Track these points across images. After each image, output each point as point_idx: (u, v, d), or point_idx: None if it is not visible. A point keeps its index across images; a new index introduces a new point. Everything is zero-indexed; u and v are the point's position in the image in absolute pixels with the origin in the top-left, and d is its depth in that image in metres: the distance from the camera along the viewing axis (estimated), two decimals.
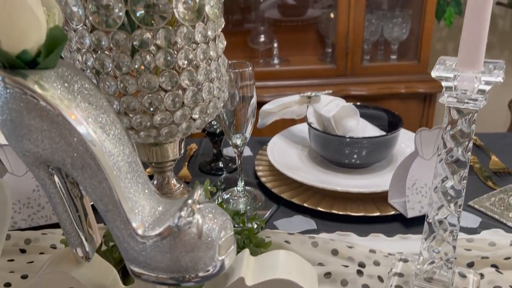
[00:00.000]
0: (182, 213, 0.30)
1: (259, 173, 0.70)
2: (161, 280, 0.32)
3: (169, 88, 0.35)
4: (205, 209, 0.33)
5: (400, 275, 0.48)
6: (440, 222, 0.43)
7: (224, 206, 0.62)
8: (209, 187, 0.62)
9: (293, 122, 0.82)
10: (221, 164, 0.75)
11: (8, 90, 0.29)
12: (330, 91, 0.74)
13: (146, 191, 0.33)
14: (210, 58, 0.37)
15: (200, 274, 0.32)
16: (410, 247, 0.54)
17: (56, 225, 0.59)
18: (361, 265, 0.50)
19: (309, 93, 0.72)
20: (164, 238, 0.31)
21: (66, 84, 0.30)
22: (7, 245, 0.55)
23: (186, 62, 0.35)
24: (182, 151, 0.44)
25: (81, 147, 0.29)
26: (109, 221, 0.32)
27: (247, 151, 0.80)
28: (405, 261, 0.50)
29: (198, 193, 0.33)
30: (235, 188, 0.65)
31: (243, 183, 0.64)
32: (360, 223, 0.58)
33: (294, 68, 1.48)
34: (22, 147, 0.30)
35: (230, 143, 0.61)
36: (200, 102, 0.38)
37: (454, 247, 0.43)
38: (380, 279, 0.48)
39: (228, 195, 0.65)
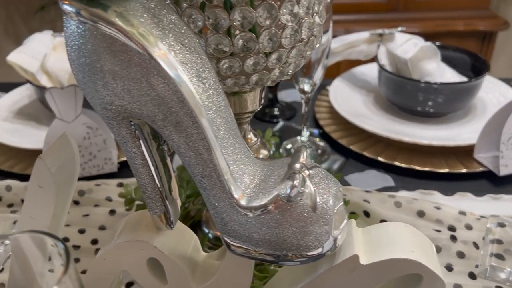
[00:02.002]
0: (295, 182, 0.25)
1: (320, 122, 0.63)
2: (259, 256, 0.28)
3: (268, 23, 0.29)
4: (315, 176, 0.27)
5: (499, 241, 0.43)
6: None
7: None
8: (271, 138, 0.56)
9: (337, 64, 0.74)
10: (276, 111, 0.69)
11: (85, 26, 0.22)
12: (404, 28, 0.65)
13: (242, 151, 0.28)
14: None
15: (309, 253, 0.27)
16: (504, 209, 0.48)
17: (108, 176, 0.55)
18: (451, 228, 0.45)
19: (380, 31, 0.64)
20: (272, 211, 0.26)
21: (155, 19, 0.23)
22: None
23: None
24: (262, 101, 0.38)
25: (176, 99, 0.23)
26: (204, 188, 0.26)
27: None
28: (502, 225, 0.45)
29: (304, 156, 0.28)
30: (298, 138, 0.59)
31: (308, 133, 0.58)
32: (444, 180, 0.52)
33: (338, 1, 1.36)
34: (102, 98, 0.24)
35: (297, 87, 0.55)
36: (298, 42, 0.31)
37: None
38: (476, 245, 0.43)
39: (289, 146, 0.60)
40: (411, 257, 0.27)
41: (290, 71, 0.33)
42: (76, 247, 0.46)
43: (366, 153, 0.56)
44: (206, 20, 0.28)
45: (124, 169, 0.56)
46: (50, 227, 0.31)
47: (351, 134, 0.60)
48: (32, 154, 0.59)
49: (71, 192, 0.32)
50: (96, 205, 0.51)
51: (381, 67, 0.62)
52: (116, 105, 0.24)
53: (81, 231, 0.48)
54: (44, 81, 0.62)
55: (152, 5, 0.24)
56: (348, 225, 0.30)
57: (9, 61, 0.60)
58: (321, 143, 0.59)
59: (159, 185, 0.29)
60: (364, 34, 0.65)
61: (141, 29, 0.22)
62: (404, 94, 0.61)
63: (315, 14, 0.31)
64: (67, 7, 0.23)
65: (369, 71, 0.72)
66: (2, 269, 0.44)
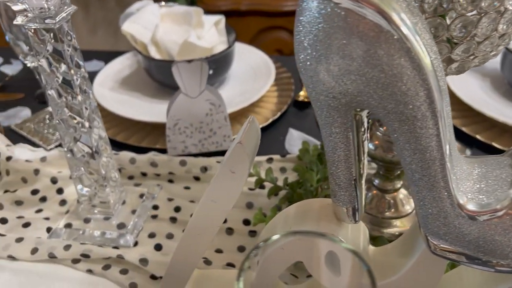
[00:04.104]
0: None
1: None
2: (459, 259, 0.26)
3: (489, 7, 0.26)
4: None
5: None
6: None
7: None
8: None
9: None
10: None
11: (334, 8, 0.20)
12: None
13: (456, 150, 0.25)
14: None
15: None
16: None
17: (225, 153, 0.54)
18: None
19: None
20: (503, 216, 0.24)
21: (405, 2, 0.21)
22: (180, 171, 0.51)
23: None
24: None
25: (423, 93, 0.21)
26: (421, 187, 0.24)
27: None
28: None
29: None
30: None
31: None
32: None
33: None
34: (335, 87, 0.22)
35: None
36: (509, 28, 0.28)
37: None
38: None
39: None
40: None
41: (489, 58, 0.30)
42: None
43: (495, 144, 0.52)
44: (424, 2, 0.25)
45: None
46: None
47: (473, 122, 0.57)
48: (144, 127, 0.59)
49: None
50: None
51: (509, 50, 0.57)
52: (351, 95, 0.22)
53: None
54: (153, 52, 0.61)
55: None
56: None
57: (124, 31, 0.60)
58: None
59: (355, 180, 0.27)
60: None
61: (402, 14, 0.20)
62: None
63: None
64: None
65: None
66: (136, 242, 0.44)
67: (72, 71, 0.38)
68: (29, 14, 0.35)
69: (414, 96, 0.21)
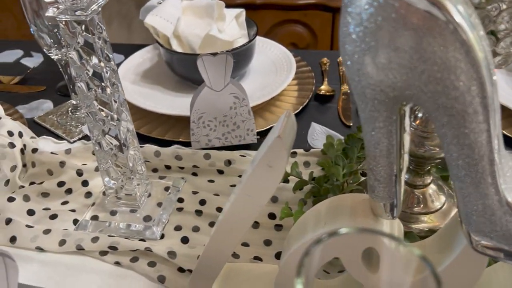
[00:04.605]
0: None
1: None
2: (498, 255, 0.26)
3: None
4: None
5: None
6: None
7: None
8: None
9: None
10: None
11: (388, 1, 0.20)
12: None
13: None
14: None
15: None
16: None
17: (248, 146, 0.54)
18: None
19: None
20: None
21: None
22: (204, 164, 0.51)
23: None
24: None
25: (476, 87, 0.21)
26: (466, 183, 0.24)
27: None
28: None
29: None
30: None
31: None
32: None
33: None
34: (384, 81, 0.22)
35: None
36: None
37: None
38: None
39: None
40: None
41: None
42: None
43: None
44: None
45: (262, 141, 0.55)
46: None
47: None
48: (167, 120, 0.59)
49: None
50: (240, 176, 0.50)
51: None
52: (400, 89, 0.22)
53: None
54: (175, 46, 0.61)
55: None
56: None
57: (146, 24, 0.60)
58: None
59: (395, 176, 0.27)
60: None
61: (458, 5, 0.19)
62: None
63: None
64: None
65: None
66: (163, 235, 0.44)
67: (102, 64, 0.38)
68: (61, 6, 0.35)
69: (466, 90, 0.21)
